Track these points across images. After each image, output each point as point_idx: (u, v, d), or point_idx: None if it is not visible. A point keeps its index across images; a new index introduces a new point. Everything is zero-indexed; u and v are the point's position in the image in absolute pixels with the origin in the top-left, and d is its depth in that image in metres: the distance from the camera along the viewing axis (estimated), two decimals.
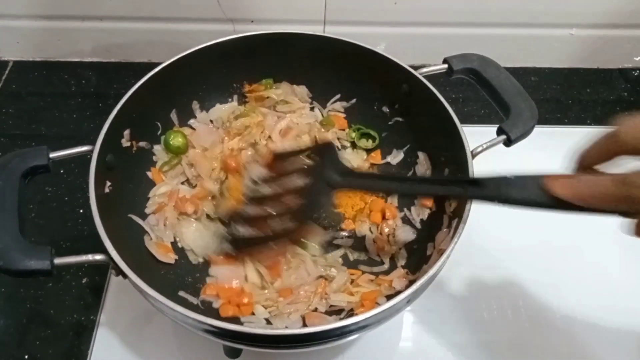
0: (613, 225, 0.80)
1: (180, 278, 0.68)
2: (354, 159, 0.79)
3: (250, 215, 0.57)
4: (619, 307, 0.73)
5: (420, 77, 0.68)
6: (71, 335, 0.70)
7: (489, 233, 0.78)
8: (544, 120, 0.96)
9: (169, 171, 0.74)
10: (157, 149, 0.75)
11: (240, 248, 0.57)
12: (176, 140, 0.75)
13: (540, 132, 0.92)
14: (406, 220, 0.73)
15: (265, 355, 0.67)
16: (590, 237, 0.79)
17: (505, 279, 0.75)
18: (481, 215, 0.78)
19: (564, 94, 1.02)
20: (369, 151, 0.79)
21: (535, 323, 0.72)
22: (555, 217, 0.79)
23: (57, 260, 0.54)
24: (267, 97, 0.79)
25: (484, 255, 0.77)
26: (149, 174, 0.73)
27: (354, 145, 0.80)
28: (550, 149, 0.89)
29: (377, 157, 0.79)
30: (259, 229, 0.56)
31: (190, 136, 0.77)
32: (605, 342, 0.71)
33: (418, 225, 0.72)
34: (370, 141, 0.79)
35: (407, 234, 0.71)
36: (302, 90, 0.81)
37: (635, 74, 1.06)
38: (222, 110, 0.80)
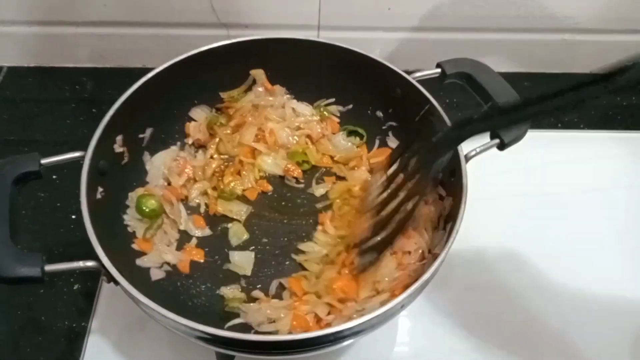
0: (609, 228, 0.81)
1: (173, 283, 0.67)
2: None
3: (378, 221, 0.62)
4: (613, 307, 0.73)
5: (414, 81, 0.68)
6: (63, 342, 0.69)
7: (484, 237, 0.78)
8: (538, 125, 0.96)
9: (155, 235, 0.69)
10: (128, 218, 0.69)
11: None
12: (149, 204, 0.69)
13: (534, 137, 0.93)
14: None
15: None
16: (585, 240, 0.80)
17: (500, 282, 0.75)
18: (476, 218, 0.79)
19: None
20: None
21: (531, 327, 0.72)
22: (550, 220, 0.81)
23: (48, 267, 0.54)
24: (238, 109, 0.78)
25: (479, 259, 0.77)
26: (134, 246, 0.68)
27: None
28: (544, 153, 0.90)
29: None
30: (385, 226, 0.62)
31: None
32: (599, 341, 0.71)
33: None
34: (357, 139, 0.80)
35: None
36: (279, 89, 0.80)
37: None
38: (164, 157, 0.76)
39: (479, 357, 0.69)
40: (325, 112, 0.80)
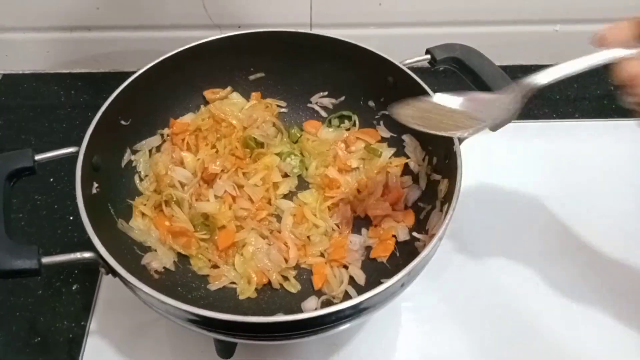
0: (606, 216, 0.81)
1: (171, 278, 0.67)
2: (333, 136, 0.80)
3: None
4: (619, 308, 0.72)
5: (404, 68, 0.69)
6: (62, 343, 0.69)
7: (481, 233, 0.78)
8: (533, 116, 0.97)
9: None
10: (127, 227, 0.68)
11: None
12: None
13: (530, 127, 0.94)
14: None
15: (257, 353, 0.66)
16: (588, 238, 0.79)
17: (505, 282, 0.74)
18: (480, 218, 0.78)
19: (551, 90, 1.02)
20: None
21: (535, 328, 0.70)
22: (555, 218, 0.80)
23: (45, 260, 0.54)
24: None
25: (484, 259, 0.76)
26: (133, 235, 0.68)
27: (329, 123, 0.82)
28: (540, 143, 0.90)
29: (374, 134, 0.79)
30: None
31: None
32: (606, 343, 0.69)
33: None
34: (346, 121, 0.81)
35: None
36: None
37: None
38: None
39: (481, 355, 0.68)
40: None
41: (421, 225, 0.69)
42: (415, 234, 0.68)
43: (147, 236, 0.68)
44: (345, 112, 0.80)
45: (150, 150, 0.75)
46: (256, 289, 0.67)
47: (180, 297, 0.64)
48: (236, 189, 0.73)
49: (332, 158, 0.77)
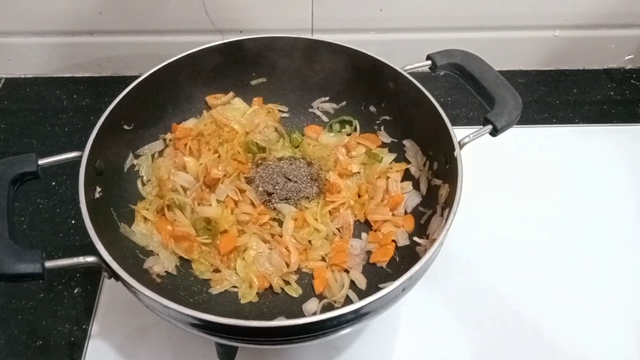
0: (605, 220, 0.81)
1: (173, 282, 0.67)
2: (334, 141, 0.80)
3: None
4: (620, 309, 0.73)
5: (405, 73, 0.69)
6: (63, 346, 0.69)
7: (480, 236, 0.79)
8: (533, 121, 0.97)
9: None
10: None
11: None
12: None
13: (530, 132, 0.94)
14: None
15: (258, 357, 0.67)
16: (588, 241, 0.80)
17: (505, 286, 0.75)
18: (481, 222, 0.79)
19: (551, 95, 1.03)
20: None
21: (535, 331, 0.71)
22: (555, 222, 0.80)
23: (48, 264, 0.54)
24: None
25: (484, 262, 0.77)
26: (135, 239, 0.68)
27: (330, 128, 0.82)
28: (540, 148, 0.91)
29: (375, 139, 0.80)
30: None
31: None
32: (606, 343, 0.70)
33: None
34: (347, 126, 0.81)
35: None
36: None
37: (620, 73, 1.07)
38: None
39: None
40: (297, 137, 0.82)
41: (422, 230, 0.69)
42: (416, 238, 0.68)
43: (149, 240, 0.69)
44: (346, 117, 0.81)
45: (152, 155, 0.75)
46: (257, 293, 0.67)
47: (182, 301, 0.64)
48: (238, 194, 0.73)
49: (333, 163, 0.78)
